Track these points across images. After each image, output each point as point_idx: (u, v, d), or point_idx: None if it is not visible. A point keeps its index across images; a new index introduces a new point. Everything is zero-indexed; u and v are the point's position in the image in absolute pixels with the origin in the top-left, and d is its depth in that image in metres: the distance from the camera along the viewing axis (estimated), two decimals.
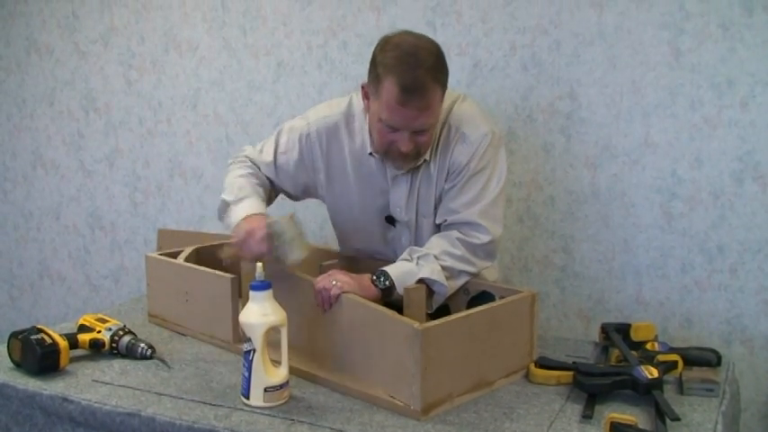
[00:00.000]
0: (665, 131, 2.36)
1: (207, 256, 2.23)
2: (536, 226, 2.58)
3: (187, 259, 2.14)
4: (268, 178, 2.11)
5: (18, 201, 3.66)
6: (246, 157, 2.13)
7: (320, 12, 2.82)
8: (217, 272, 1.97)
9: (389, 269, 1.81)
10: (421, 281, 1.80)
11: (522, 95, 2.53)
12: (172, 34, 3.13)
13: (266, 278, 1.61)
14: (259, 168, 2.10)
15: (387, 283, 1.78)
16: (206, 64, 3.09)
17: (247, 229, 1.82)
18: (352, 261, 2.11)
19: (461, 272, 1.89)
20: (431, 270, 1.81)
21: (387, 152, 1.89)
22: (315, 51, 2.86)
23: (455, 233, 1.90)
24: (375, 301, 1.73)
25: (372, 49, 2.60)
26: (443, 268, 1.84)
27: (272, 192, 2.13)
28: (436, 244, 1.89)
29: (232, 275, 1.91)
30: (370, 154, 1.99)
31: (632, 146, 2.41)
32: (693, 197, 2.36)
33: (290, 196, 2.18)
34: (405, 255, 1.88)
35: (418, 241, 2.02)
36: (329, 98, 2.83)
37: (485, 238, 1.90)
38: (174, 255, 2.17)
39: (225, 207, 1.99)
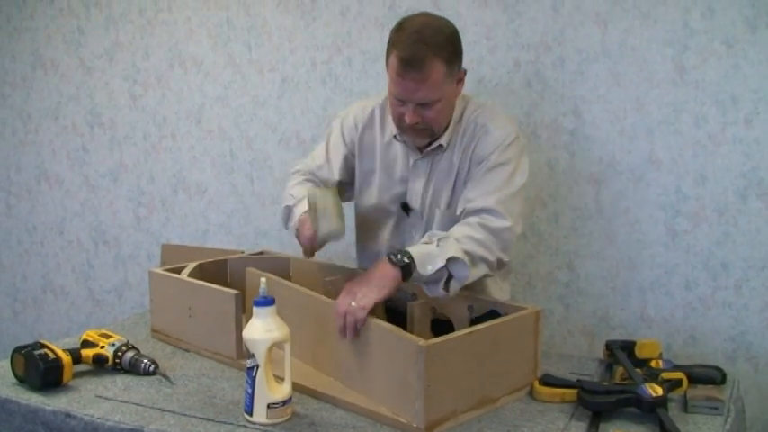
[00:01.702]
0: (669, 148, 2.36)
1: (210, 271, 2.23)
2: (540, 242, 2.58)
3: (190, 274, 2.14)
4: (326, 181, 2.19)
5: (22, 215, 3.66)
6: (298, 171, 2.23)
7: (325, 28, 2.83)
8: (220, 287, 1.97)
9: (410, 248, 1.77)
10: (446, 266, 1.75)
11: (527, 112, 2.53)
12: (177, 50, 3.15)
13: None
14: (314, 175, 2.19)
15: (405, 259, 1.73)
16: (211, 79, 3.10)
17: (301, 219, 1.96)
18: (356, 276, 2.10)
19: (481, 259, 1.82)
20: (454, 250, 1.76)
21: (399, 127, 1.98)
22: (319, 67, 2.87)
23: (474, 218, 1.88)
24: (396, 284, 1.72)
25: (376, 65, 2.63)
26: (465, 252, 1.78)
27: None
28: (457, 230, 1.85)
29: (235, 291, 1.91)
30: (395, 137, 2.06)
31: (636, 162, 2.41)
32: (698, 214, 2.35)
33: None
34: (424, 238, 1.85)
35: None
36: (333, 114, 2.85)
37: (502, 224, 1.87)
38: (178, 270, 2.17)
39: (287, 213, 2.12)
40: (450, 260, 1.75)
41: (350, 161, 2.17)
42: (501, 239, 1.87)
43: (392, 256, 1.76)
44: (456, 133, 2.01)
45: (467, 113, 2.02)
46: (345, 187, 2.18)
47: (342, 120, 2.19)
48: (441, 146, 2.00)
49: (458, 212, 1.97)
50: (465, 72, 1.98)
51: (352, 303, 1.68)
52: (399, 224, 2.12)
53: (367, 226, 2.20)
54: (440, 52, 1.85)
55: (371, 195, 2.15)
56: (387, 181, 2.11)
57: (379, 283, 1.72)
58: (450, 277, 1.78)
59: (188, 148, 3.20)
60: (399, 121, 1.96)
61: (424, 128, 1.95)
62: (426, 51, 1.83)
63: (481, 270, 1.84)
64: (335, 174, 2.16)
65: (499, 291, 2.13)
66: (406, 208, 2.09)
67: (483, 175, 1.94)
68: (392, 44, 1.89)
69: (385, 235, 2.15)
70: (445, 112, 1.96)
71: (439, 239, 1.79)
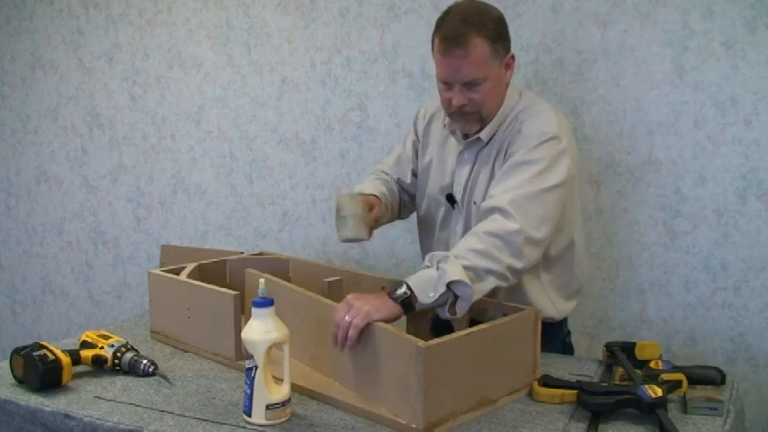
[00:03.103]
0: (668, 149, 2.36)
1: (210, 272, 2.23)
2: None
3: (190, 275, 2.14)
4: (399, 180, 2.26)
5: (21, 216, 3.67)
6: (374, 170, 2.32)
7: (324, 29, 2.83)
8: (219, 288, 1.97)
9: (409, 278, 1.70)
10: (448, 288, 1.67)
11: None
12: (176, 51, 3.15)
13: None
14: (386, 173, 2.26)
15: (404, 292, 1.67)
16: (210, 80, 3.10)
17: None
18: (356, 277, 2.11)
19: (487, 271, 1.71)
20: (453, 272, 1.66)
21: (450, 114, 1.98)
22: (319, 68, 2.87)
23: (481, 226, 1.78)
24: (396, 316, 1.66)
25: (375, 66, 2.62)
26: (465, 268, 1.68)
27: (401, 193, 2.25)
28: (462, 242, 1.77)
29: (235, 292, 1.91)
30: (444, 126, 2.07)
31: (636, 163, 2.41)
32: (697, 215, 2.35)
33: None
34: (425, 261, 1.75)
35: (467, 227, 2.01)
36: (333, 115, 2.86)
37: (511, 226, 1.74)
38: (177, 271, 2.17)
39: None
40: (452, 283, 1.66)
41: (414, 156, 2.23)
42: (510, 244, 1.74)
43: (391, 293, 1.69)
44: (502, 128, 1.96)
45: (515, 110, 1.96)
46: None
47: (417, 111, 2.25)
48: (480, 139, 1.98)
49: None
50: (513, 57, 1.97)
51: (347, 318, 1.64)
52: (446, 217, 2.11)
53: (422, 219, 2.21)
54: (482, 30, 1.85)
55: (427, 187, 2.16)
56: (440, 172, 2.11)
57: (380, 306, 1.65)
58: (456, 297, 1.69)
59: (187, 148, 3.20)
60: (448, 107, 1.95)
61: (473, 111, 1.92)
62: (468, 28, 1.84)
63: (489, 283, 1.73)
64: (411, 164, 2.23)
65: (552, 309, 2.04)
66: (451, 199, 2.07)
67: (506, 171, 1.87)
68: (436, 28, 1.91)
69: (436, 228, 2.15)
70: (493, 96, 1.93)
71: (438, 261, 1.70)
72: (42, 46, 3.46)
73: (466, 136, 2.01)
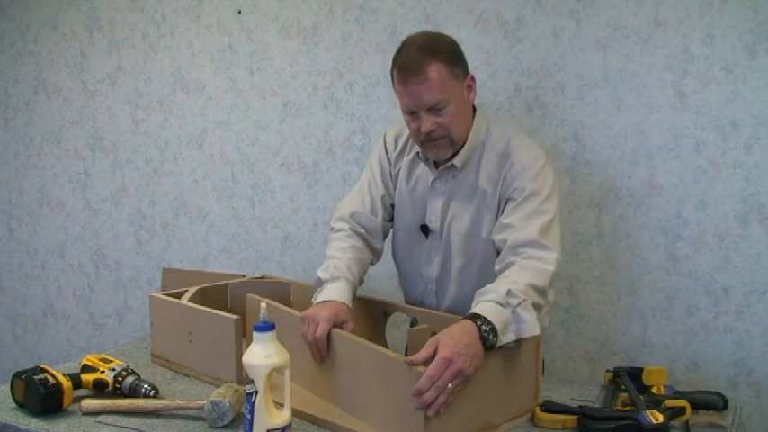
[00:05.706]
0: (669, 173, 2.37)
1: (211, 295, 2.23)
2: None
3: (191, 299, 2.14)
4: (366, 231, 2.13)
5: (23, 238, 3.67)
6: (340, 220, 2.15)
7: (326, 53, 2.85)
8: (220, 312, 1.96)
9: (490, 317, 1.63)
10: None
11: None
12: (179, 74, 3.16)
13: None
14: (354, 230, 2.12)
15: (491, 336, 1.62)
16: (212, 104, 3.11)
17: (310, 314, 1.81)
18: (357, 301, 2.10)
19: (537, 306, 1.75)
20: (533, 318, 1.69)
21: (421, 143, 1.99)
22: (321, 92, 2.89)
23: (529, 261, 1.81)
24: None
25: (377, 90, 2.63)
26: (533, 306, 1.72)
27: (370, 246, 2.14)
28: (519, 277, 1.76)
29: (236, 316, 1.91)
30: (417, 154, 2.08)
31: (637, 188, 2.41)
32: (698, 239, 2.35)
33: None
34: (491, 296, 1.70)
35: (446, 257, 2.04)
36: (335, 139, 2.87)
37: (551, 255, 1.83)
38: (179, 294, 2.17)
39: (320, 283, 1.97)
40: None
41: (386, 200, 2.16)
42: (551, 275, 1.82)
43: (485, 336, 1.61)
44: (475, 155, 2.00)
45: (492, 139, 2.00)
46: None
47: (378, 145, 2.20)
48: (454, 165, 2.00)
49: (496, 242, 1.92)
50: (473, 79, 1.99)
51: (449, 385, 1.52)
52: (421, 246, 2.11)
53: (397, 251, 2.20)
54: (437, 55, 1.89)
55: (399, 219, 2.16)
56: (410, 203, 2.12)
57: (476, 360, 1.59)
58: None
59: (189, 171, 3.21)
60: (417, 136, 1.97)
61: (443, 135, 1.94)
62: (423, 55, 1.88)
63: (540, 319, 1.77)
64: (378, 215, 2.14)
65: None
66: (425, 230, 2.08)
67: (520, 204, 1.90)
68: (393, 62, 1.95)
69: (411, 258, 2.15)
70: (459, 118, 1.95)
71: (514, 307, 1.68)
72: (46, 69, 3.48)
73: (437, 165, 2.04)
